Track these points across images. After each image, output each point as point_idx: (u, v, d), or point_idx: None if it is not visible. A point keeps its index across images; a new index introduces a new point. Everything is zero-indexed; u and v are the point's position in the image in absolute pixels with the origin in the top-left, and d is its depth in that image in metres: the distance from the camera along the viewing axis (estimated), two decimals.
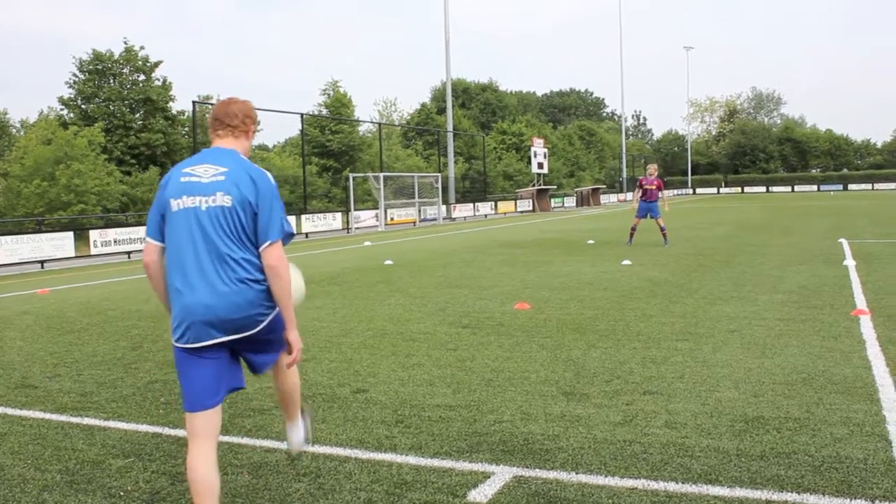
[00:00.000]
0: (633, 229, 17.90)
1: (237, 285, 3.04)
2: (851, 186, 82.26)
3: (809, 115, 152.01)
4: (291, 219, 24.93)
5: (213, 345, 3.07)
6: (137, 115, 37.19)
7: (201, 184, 3.09)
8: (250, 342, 3.15)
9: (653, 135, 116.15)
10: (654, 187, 17.39)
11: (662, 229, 17.52)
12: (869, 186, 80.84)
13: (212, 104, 38.83)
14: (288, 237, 3.17)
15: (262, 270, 3.10)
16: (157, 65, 38.10)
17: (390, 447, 4.39)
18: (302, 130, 33.77)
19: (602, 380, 5.71)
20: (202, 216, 3.06)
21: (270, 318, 3.15)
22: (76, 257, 19.65)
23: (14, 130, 40.92)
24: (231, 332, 3.07)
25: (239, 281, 3.05)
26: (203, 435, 3.08)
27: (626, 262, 13.84)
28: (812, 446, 4.18)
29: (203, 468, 3.04)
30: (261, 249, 3.09)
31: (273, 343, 3.24)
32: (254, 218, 3.08)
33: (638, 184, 17.83)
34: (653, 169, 17.78)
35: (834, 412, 4.76)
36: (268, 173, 3.19)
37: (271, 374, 3.46)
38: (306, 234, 27.67)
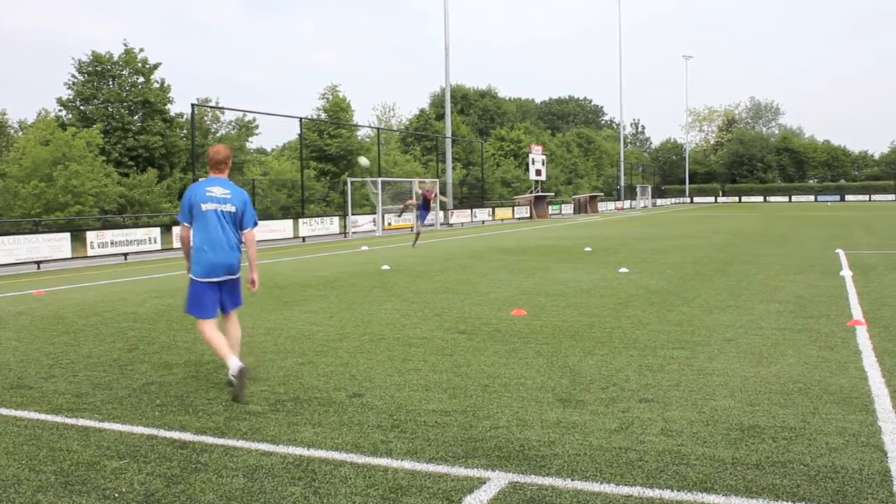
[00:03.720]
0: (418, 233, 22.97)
1: (234, 251, 5.79)
2: (848, 197, 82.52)
3: (807, 126, 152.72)
4: (289, 222, 28.23)
5: (217, 281, 5.74)
6: (136, 118, 37.17)
7: (216, 197, 5.73)
8: (230, 285, 5.86)
9: (651, 143, 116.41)
10: (430, 196, 22.69)
11: (418, 234, 22.82)
12: (866, 197, 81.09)
13: (210, 107, 38.99)
14: (255, 225, 5.91)
15: (240, 245, 5.87)
16: (155, 67, 38.12)
17: (386, 452, 4.38)
18: (300, 134, 33.70)
19: (598, 387, 5.71)
20: (220, 215, 5.72)
21: (239, 275, 5.94)
22: (73, 258, 19.62)
23: (12, 131, 40.86)
24: (227, 274, 5.78)
25: (236, 248, 5.82)
26: (212, 326, 5.74)
27: (623, 269, 13.86)
28: (808, 456, 4.18)
29: (215, 332, 5.71)
30: (244, 232, 5.85)
31: (236, 291, 5.94)
32: (242, 216, 5.81)
33: (423, 196, 22.69)
34: (430, 185, 24.16)
35: (830, 422, 4.77)
36: (245, 191, 5.91)
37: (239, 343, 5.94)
38: (303, 238, 27.64)
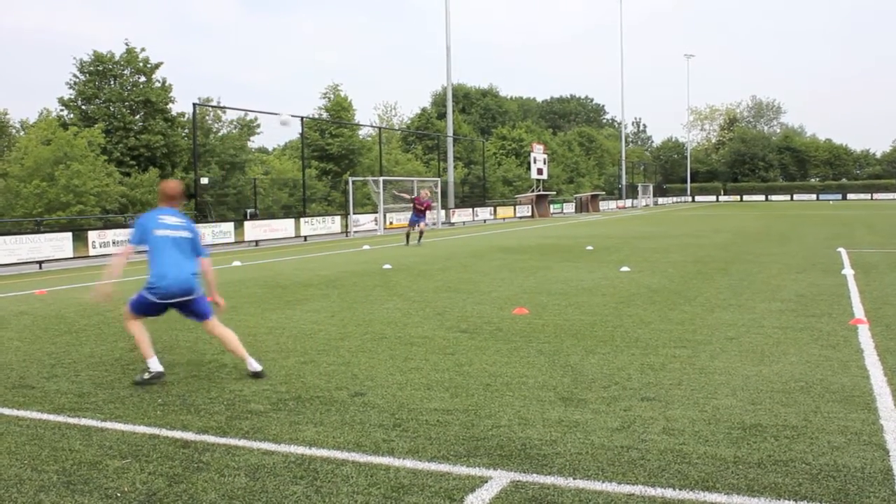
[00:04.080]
0: (409, 234, 23.29)
1: (191, 274, 6.07)
2: (850, 196, 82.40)
3: (809, 125, 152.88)
4: (291, 221, 28.26)
5: (170, 303, 6.05)
6: (137, 117, 37.15)
7: (169, 224, 6.10)
8: (190, 304, 6.11)
9: (652, 142, 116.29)
10: (423, 207, 22.68)
11: (422, 233, 23.25)
12: (867, 196, 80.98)
13: (212, 107, 39.00)
14: (207, 255, 6.34)
15: (196, 270, 6.14)
16: (157, 66, 38.07)
17: (388, 451, 4.39)
18: (302, 133, 33.70)
19: (600, 385, 5.71)
20: (173, 240, 6.05)
21: (199, 293, 6.15)
22: (75, 258, 19.64)
23: (14, 131, 40.84)
24: (182, 296, 6.03)
25: (193, 271, 6.10)
26: (140, 324, 6.15)
27: (625, 268, 13.85)
28: (809, 454, 4.18)
29: (141, 330, 6.12)
30: (203, 258, 6.24)
31: (200, 306, 6.16)
32: (193, 243, 6.17)
33: (415, 200, 23.03)
34: (427, 192, 23.76)
35: (831, 421, 4.76)
36: (192, 222, 6.30)
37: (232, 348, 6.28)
38: (305, 238, 27.64)
